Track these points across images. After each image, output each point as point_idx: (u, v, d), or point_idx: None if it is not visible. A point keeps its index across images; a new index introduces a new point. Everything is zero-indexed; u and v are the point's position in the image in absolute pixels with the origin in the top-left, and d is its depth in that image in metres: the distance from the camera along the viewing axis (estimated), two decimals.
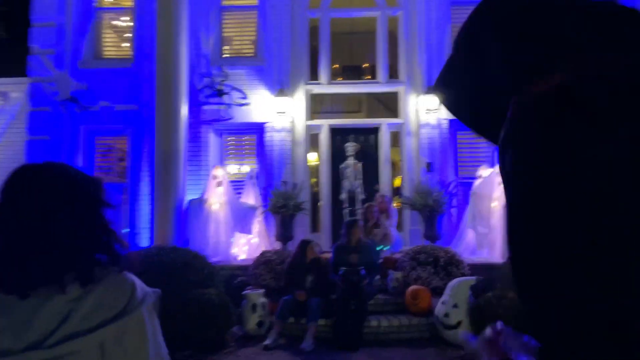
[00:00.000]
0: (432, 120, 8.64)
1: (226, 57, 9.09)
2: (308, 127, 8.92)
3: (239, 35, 9.37)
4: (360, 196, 8.78)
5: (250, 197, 8.06)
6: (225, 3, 9.20)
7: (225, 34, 9.18)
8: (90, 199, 1.06)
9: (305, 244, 5.74)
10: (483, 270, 6.56)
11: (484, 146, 8.86)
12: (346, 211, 8.79)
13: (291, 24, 8.92)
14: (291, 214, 7.94)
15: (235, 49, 9.30)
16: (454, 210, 8.29)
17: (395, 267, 6.63)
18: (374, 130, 8.99)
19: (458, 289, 5.44)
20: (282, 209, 7.83)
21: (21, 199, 1.01)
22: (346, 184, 8.86)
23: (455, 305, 5.37)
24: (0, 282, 0.96)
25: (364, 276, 5.81)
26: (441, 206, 7.97)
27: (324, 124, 8.93)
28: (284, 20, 8.87)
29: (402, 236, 8.50)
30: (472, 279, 5.53)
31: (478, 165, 8.76)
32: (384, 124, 8.86)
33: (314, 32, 9.13)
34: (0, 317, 0.95)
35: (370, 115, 9.06)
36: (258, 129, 8.94)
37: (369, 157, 8.99)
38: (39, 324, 0.94)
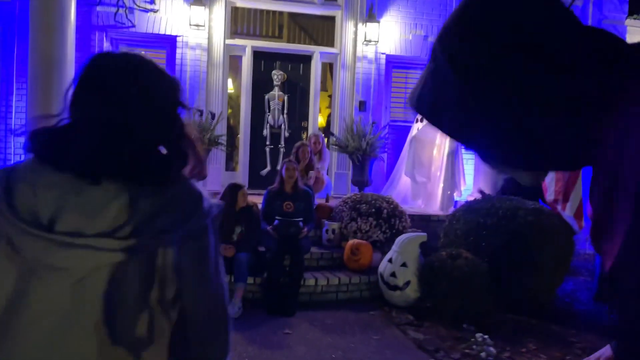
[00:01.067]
0: (369, 54, 7.76)
1: None
2: (227, 48, 7.59)
3: None
4: (285, 133, 7.80)
5: None
6: None
7: None
8: (170, 96, 1.01)
9: (235, 189, 4.72)
10: (420, 222, 6.05)
11: None
12: (268, 149, 7.79)
13: None
14: (206, 149, 6.76)
15: None
16: (384, 156, 7.65)
17: (330, 217, 5.87)
18: (305, 59, 7.91)
19: (408, 245, 4.83)
20: None
21: (100, 83, 0.96)
22: (270, 119, 7.81)
23: (404, 264, 4.76)
24: (72, 164, 0.91)
25: (302, 228, 4.97)
26: (374, 150, 7.28)
27: (247, 46, 7.65)
28: None
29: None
30: (422, 235, 4.93)
31: (411, 109, 8.14)
32: (317, 52, 7.81)
33: None
34: (69, 195, 0.91)
35: (301, 40, 7.93)
36: (168, 44, 7.42)
37: (297, 90, 7.94)
38: (110, 213, 0.91)
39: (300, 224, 4.99)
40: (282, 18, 8.00)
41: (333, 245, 5.55)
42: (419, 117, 7.18)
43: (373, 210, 5.51)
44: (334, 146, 7.50)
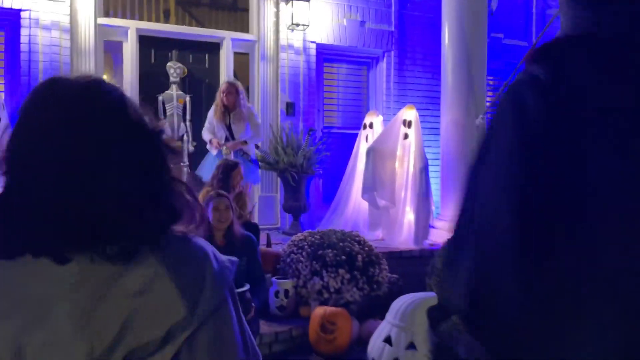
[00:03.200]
0: (296, 42, 6.03)
1: None
2: (101, 30, 5.38)
3: None
4: (190, 147, 5.77)
5: None
6: None
7: None
8: (151, 136, 0.73)
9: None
10: (388, 260, 4.45)
11: (360, 84, 6.69)
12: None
13: None
14: None
15: None
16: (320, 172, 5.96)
17: (276, 269, 4.04)
18: (212, 48, 5.95)
19: (415, 315, 3.18)
20: None
21: (52, 121, 0.68)
22: (166, 128, 5.69)
23: (411, 346, 3.12)
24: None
25: (251, 302, 3.08)
26: (312, 166, 5.58)
27: (130, 28, 5.50)
28: None
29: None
30: (430, 297, 3.33)
31: (351, 112, 6.58)
32: (227, 39, 5.89)
33: None
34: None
35: (206, 23, 5.95)
36: (7, 22, 5.02)
37: (203, 88, 5.95)
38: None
39: (247, 293, 3.10)
40: None
41: (287, 316, 3.73)
42: (367, 121, 5.61)
43: (343, 257, 3.79)
44: (259, 162, 5.64)
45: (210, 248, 0.76)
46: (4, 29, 5.01)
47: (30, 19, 4.94)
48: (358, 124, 6.38)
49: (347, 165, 5.70)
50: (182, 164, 5.66)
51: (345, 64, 6.55)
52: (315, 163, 5.58)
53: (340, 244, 3.88)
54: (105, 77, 5.76)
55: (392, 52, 6.50)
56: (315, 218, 5.87)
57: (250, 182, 5.17)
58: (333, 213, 5.66)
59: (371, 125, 5.55)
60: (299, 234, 4.10)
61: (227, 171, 3.88)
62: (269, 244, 4.23)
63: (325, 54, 6.35)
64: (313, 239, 3.95)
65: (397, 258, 4.71)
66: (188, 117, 5.70)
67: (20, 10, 4.91)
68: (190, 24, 5.87)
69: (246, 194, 4.12)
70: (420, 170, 4.83)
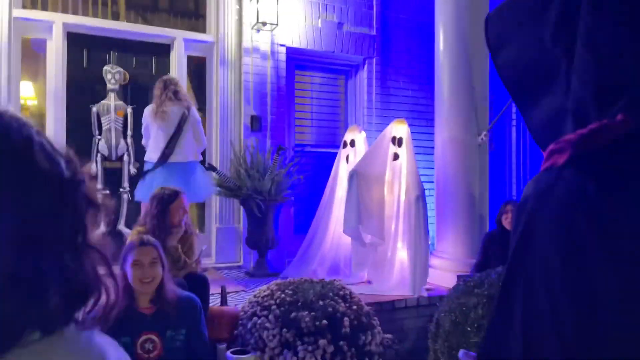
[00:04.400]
0: (263, 44, 5.08)
1: None
2: (18, 25, 4.32)
3: None
4: (131, 168, 4.72)
5: None
6: None
7: None
8: (64, 190, 0.53)
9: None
10: (379, 313, 3.49)
11: (337, 95, 5.78)
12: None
13: None
14: None
15: None
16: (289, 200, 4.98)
17: (233, 336, 3.00)
18: (161, 50, 4.94)
19: None
20: None
21: None
22: (102, 145, 4.67)
23: None
24: None
25: None
26: (282, 192, 4.61)
27: (55, 22, 4.45)
28: None
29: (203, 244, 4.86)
30: None
31: (328, 127, 5.66)
32: (179, 39, 4.90)
33: None
34: None
35: (153, 20, 4.95)
36: None
37: (149, 98, 4.92)
38: None
39: None
40: None
41: None
42: (347, 138, 4.69)
43: (324, 322, 2.79)
44: (219, 188, 4.64)
45: (109, 348, 0.54)
46: None
47: None
48: (335, 142, 5.47)
49: (325, 190, 4.74)
50: (121, 190, 4.62)
51: (320, 71, 5.63)
52: (286, 188, 4.61)
53: (320, 302, 2.89)
54: (27, 84, 4.70)
55: (374, 59, 5.62)
56: (286, 253, 4.88)
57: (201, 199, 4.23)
58: (307, 249, 4.68)
59: (352, 143, 4.62)
60: (264, 288, 3.09)
61: (163, 205, 2.85)
62: (224, 300, 3.21)
63: (297, 60, 5.43)
64: (283, 294, 2.95)
65: (389, 310, 3.76)
66: (129, 132, 4.67)
67: None
68: (133, 21, 4.85)
69: (193, 235, 3.10)
70: (415, 198, 3.91)
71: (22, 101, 5.47)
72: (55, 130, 4.43)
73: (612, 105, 0.53)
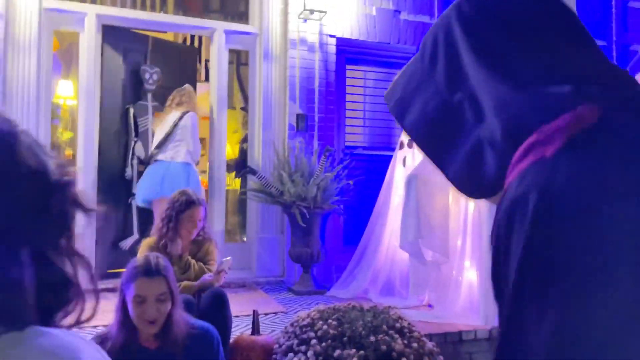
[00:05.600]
0: (311, 35, 4.59)
1: None
2: (48, 16, 4.04)
3: None
4: None
5: None
6: None
7: None
8: (51, 190, 0.52)
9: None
10: (441, 346, 2.86)
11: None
12: (135, 211, 4.30)
13: None
14: None
15: None
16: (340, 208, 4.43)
17: None
18: (194, 50, 4.55)
19: None
20: None
21: None
22: (139, 148, 4.33)
23: None
24: None
25: None
26: (329, 199, 4.08)
27: (88, 14, 4.14)
28: None
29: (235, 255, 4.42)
30: None
31: (382, 127, 5.09)
32: (220, 31, 4.48)
33: None
34: None
35: (192, 12, 4.58)
36: None
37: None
38: None
39: None
40: None
41: None
42: (405, 139, 4.09)
43: None
44: (256, 194, 4.18)
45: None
46: None
47: None
48: (391, 143, 4.89)
49: (378, 198, 4.17)
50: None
51: (374, 65, 5.07)
52: (334, 195, 4.08)
53: (372, 337, 2.32)
54: (67, 83, 4.42)
55: None
56: (334, 268, 4.34)
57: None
58: (358, 264, 4.11)
59: (410, 144, 4.03)
60: (304, 315, 2.55)
61: (175, 211, 2.43)
62: (256, 328, 2.70)
63: (348, 52, 4.89)
64: (326, 325, 2.40)
65: (455, 342, 3.13)
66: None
67: None
68: (171, 12, 4.50)
69: (210, 241, 2.65)
70: (487, 209, 3.26)
71: (60, 100, 5.25)
72: (86, 131, 4.12)
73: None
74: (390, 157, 4.29)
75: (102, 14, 4.17)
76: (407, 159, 4.01)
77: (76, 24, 4.12)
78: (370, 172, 4.72)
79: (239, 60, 6.45)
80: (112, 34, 4.24)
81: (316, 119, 4.59)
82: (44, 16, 3.96)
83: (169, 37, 5.46)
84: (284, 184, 3.94)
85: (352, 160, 4.44)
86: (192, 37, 5.76)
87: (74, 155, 4.57)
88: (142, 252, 2.45)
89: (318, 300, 3.90)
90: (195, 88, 4.56)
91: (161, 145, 4.05)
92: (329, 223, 4.28)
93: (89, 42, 4.11)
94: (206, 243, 2.63)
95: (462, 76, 0.64)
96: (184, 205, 2.52)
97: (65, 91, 5.20)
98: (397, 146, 4.16)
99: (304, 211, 3.90)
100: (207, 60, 6.23)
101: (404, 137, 4.10)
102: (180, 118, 4.06)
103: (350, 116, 5.00)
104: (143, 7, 4.62)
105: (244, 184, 4.97)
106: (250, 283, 4.21)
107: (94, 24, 4.11)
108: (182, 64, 4.78)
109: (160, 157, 4.04)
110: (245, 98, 5.80)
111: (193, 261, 2.53)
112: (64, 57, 5.42)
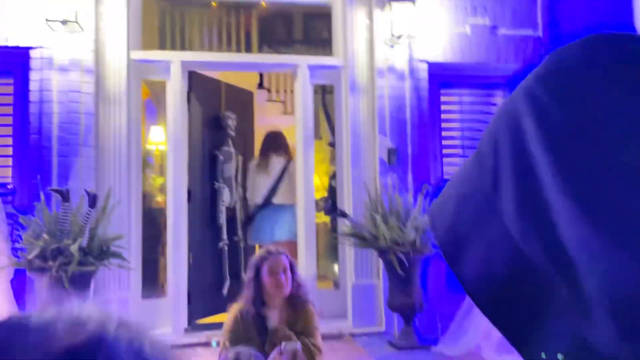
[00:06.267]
0: (399, 62, 4.25)
1: None
2: (135, 67, 4.06)
3: None
4: (242, 216, 4.18)
5: None
6: None
7: None
8: None
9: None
10: None
11: (492, 114, 4.66)
12: (226, 246, 4.17)
13: None
14: (86, 271, 3.12)
15: None
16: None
17: None
18: (250, 94, 4.39)
19: None
20: (57, 262, 2.99)
21: None
22: (226, 194, 4.21)
23: None
24: None
25: None
26: (429, 243, 3.66)
27: (173, 61, 4.12)
28: None
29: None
30: None
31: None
32: (303, 66, 4.29)
33: None
34: None
35: (273, 49, 4.45)
36: (15, 64, 3.87)
37: (247, 143, 4.39)
38: None
39: None
40: (237, 14, 4.54)
41: None
42: None
43: None
44: (347, 237, 3.86)
45: None
46: (12, 74, 3.86)
47: (42, 58, 3.75)
48: None
49: None
50: (236, 237, 4.08)
51: (471, 88, 4.62)
52: (432, 240, 3.65)
53: None
54: (158, 129, 4.44)
55: None
56: (439, 318, 3.88)
57: None
58: (467, 315, 3.62)
59: None
60: None
61: (256, 270, 2.21)
62: None
63: (442, 77, 4.49)
64: None
65: None
66: (239, 179, 4.17)
67: (29, 48, 3.73)
68: (253, 50, 4.38)
69: (310, 309, 2.35)
70: None
71: (153, 147, 5.32)
72: (175, 178, 4.05)
73: None
74: None
75: (187, 60, 4.13)
76: None
77: (163, 72, 4.11)
78: None
79: (324, 89, 6.27)
80: (195, 81, 4.20)
81: (409, 152, 4.21)
82: (131, 67, 3.99)
83: (236, 82, 5.40)
84: (378, 227, 3.59)
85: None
86: (261, 76, 5.63)
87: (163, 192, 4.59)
88: (229, 322, 2.22)
89: (423, 357, 3.47)
90: (252, 131, 4.64)
91: (272, 190, 4.29)
92: (431, 268, 3.85)
93: (174, 89, 4.07)
94: (304, 309, 2.34)
95: (539, 208, 0.44)
96: (262, 258, 2.29)
97: (157, 137, 5.28)
98: None
99: (402, 258, 3.52)
100: (285, 91, 6.12)
101: None
102: (288, 163, 4.40)
103: (447, 144, 4.56)
104: (229, 47, 4.55)
105: (334, 225, 4.69)
106: (346, 335, 3.87)
107: (179, 71, 4.07)
108: (244, 108, 4.69)
109: (273, 200, 4.31)
110: (332, 129, 5.57)
111: (292, 337, 2.20)
112: (157, 104, 5.54)
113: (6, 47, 3.70)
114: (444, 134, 4.54)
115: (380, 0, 4.21)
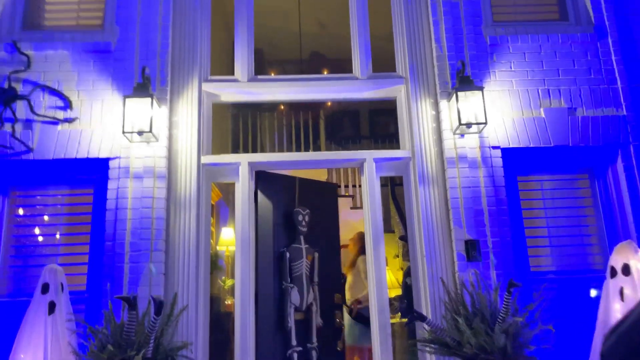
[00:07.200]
0: (470, 150, 4.07)
1: (34, 25, 4.40)
2: (206, 171, 4.16)
3: None
4: (318, 321, 3.93)
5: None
6: None
7: None
8: None
9: None
10: None
11: (579, 202, 4.31)
12: (296, 354, 3.91)
13: None
14: None
15: (55, 9, 4.58)
16: None
17: None
18: (334, 186, 4.31)
19: None
20: None
21: None
22: (295, 295, 4.04)
23: None
24: None
25: None
26: (522, 349, 3.22)
27: (242, 163, 4.19)
28: None
29: None
30: None
31: (573, 245, 4.17)
32: (370, 160, 4.21)
33: None
34: None
35: (338, 145, 4.44)
36: (95, 174, 4.08)
37: (330, 237, 4.23)
38: None
39: None
40: (304, 114, 4.63)
41: None
42: (618, 262, 3.16)
43: None
44: (425, 345, 3.49)
45: None
46: (92, 183, 4.07)
47: (119, 168, 3.93)
48: (588, 265, 3.94)
49: (592, 344, 3.17)
50: (309, 345, 3.82)
51: (551, 173, 4.30)
52: (529, 343, 3.20)
53: None
54: (229, 230, 4.45)
55: (631, 147, 4.09)
56: None
57: None
58: None
59: (626, 270, 3.07)
60: None
61: None
62: None
63: (518, 163, 4.22)
64: None
65: None
66: (316, 278, 3.97)
67: (108, 159, 3.94)
68: (319, 148, 4.39)
69: None
70: None
71: (223, 247, 5.32)
72: (242, 279, 3.95)
73: None
74: (589, 280, 3.35)
75: (254, 161, 4.19)
76: (625, 290, 3.04)
77: (232, 174, 4.18)
78: (567, 303, 3.75)
79: (392, 181, 6.14)
80: (264, 179, 4.22)
81: (489, 244, 3.88)
82: (202, 171, 4.09)
83: (311, 175, 5.41)
84: (462, 332, 3.21)
85: (543, 292, 3.55)
86: (329, 173, 5.64)
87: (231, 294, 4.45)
88: None
89: None
90: (338, 224, 4.36)
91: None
92: None
93: (242, 189, 4.10)
94: None
95: None
96: None
97: (228, 238, 5.30)
98: (608, 273, 3.21)
99: None
100: (354, 186, 6.04)
101: (616, 261, 3.16)
102: None
103: (531, 235, 4.18)
104: (297, 146, 4.60)
105: (411, 328, 4.31)
106: None
107: (247, 171, 4.12)
108: (325, 201, 4.58)
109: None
110: (403, 221, 5.36)
111: None
112: (229, 205, 5.63)
113: (88, 158, 3.93)
114: (526, 223, 4.18)
115: (445, 91, 4.14)
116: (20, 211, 4.09)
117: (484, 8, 4.47)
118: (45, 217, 4.10)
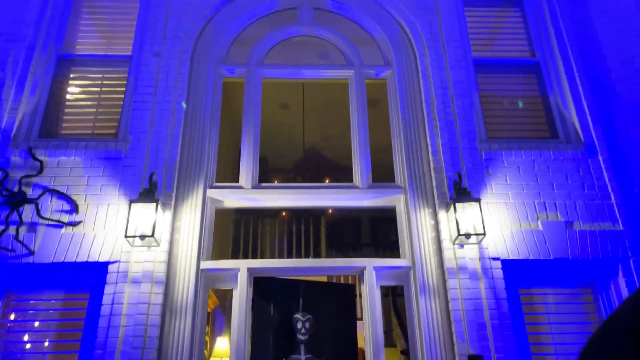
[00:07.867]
0: (470, 262, 4.06)
1: (50, 133, 4.62)
2: (204, 277, 4.13)
3: (83, 96, 4.96)
4: None
5: None
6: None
7: (57, 95, 4.86)
8: None
9: None
10: None
11: (584, 317, 4.21)
12: None
13: (188, 80, 4.78)
14: None
15: (73, 118, 4.83)
16: None
17: None
18: (349, 287, 4.27)
19: None
20: None
21: None
22: None
23: None
24: None
25: None
26: None
27: (241, 268, 4.16)
28: (170, 75, 4.75)
29: None
30: None
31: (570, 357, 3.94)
32: (369, 268, 4.19)
33: (231, 98, 4.99)
34: None
35: (339, 252, 4.44)
36: (92, 279, 4.05)
37: (336, 348, 4.09)
38: None
39: None
40: (306, 221, 4.70)
41: None
42: None
43: None
44: None
45: None
46: (89, 288, 4.02)
47: (118, 272, 3.91)
48: None
49: None
50: None
51: (553, 287, 4.24)
52: None
53: None
54: (224, 340, 4.32)
55: (631, 262, 4.09)
56: None
57: None
58: None
59: None
60: None
61: None
62: None
63: (518, 275, 4.19)
64: None
65: None
66: None
67: (108, 263, 3.94)
68: (317, 255, 4.39)
69: None
70: None
71: (217, 359, 5.10)
72: None
73: None
74: None
75: (253, 267, 4.17)
76: None
77: (230, 280, 4.14)
78: None
79: (394, 292, 6.03)
80: (264, 284, 4.17)
81: (494, 358, 3.73)
82: (200, 277, 4.06)
83: (322, 277, 5.35)
84: None
85: None
86: (329, 278, 5.61)
87: None
88: None
89: None
90: (355, 329, 4.16)
91: None
92: None
93: (240, 296, 4.04)
94: None
95: None
96: None
97: (222, 349, 5.11)
98: None
99: None
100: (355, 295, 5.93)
101: None
102: None
103: (536, 352, 4.03)
104: (298, 254, 4.60)
105: None
106: None
107: (246, 277, 4.09)
108: (338, 304, 4.48)
109: None
110: (405, 333, 5.19)
111: None
112: (225, 313, 5.49)
113: (87, 262, 3.93)
114: (530, 339, 4.05)
115: (444, 201, 4.23)
116: (12, 316, 4.00)
117: (478, 125, 4.72)
118: (36, 324, 3.99)
